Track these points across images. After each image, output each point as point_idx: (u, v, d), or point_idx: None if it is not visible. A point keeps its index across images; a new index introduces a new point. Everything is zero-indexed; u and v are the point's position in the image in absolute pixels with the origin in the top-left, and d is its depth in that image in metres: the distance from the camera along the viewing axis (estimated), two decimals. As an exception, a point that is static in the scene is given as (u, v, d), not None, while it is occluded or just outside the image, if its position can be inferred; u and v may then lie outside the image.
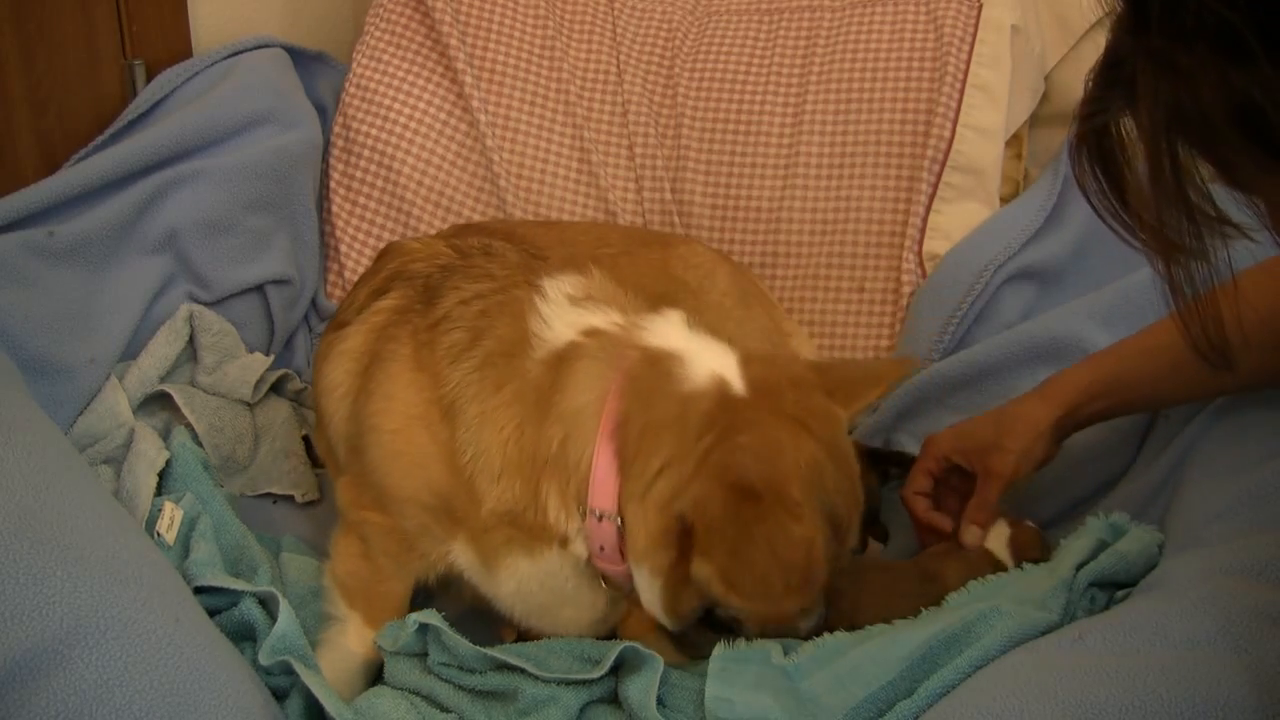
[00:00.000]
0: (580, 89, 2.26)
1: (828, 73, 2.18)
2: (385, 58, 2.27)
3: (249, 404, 1.90)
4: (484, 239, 1.61)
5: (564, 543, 1.32)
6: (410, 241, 1.63)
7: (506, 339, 1.35)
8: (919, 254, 2.06)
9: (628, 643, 1.36)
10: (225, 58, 2.13)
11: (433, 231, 2.10)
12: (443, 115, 2.23)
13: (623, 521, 1.27)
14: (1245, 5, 0.77)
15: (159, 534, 1.47)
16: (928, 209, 2.08)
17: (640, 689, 1.29)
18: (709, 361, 1.30)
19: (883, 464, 1.77)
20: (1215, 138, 0.83)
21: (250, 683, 1.24)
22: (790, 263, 2.12)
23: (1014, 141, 2.25)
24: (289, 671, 1.31)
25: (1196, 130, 0.84)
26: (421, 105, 2.23)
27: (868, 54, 2.17)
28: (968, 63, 2.13)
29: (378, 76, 2.25)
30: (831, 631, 1.34)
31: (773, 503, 1.21)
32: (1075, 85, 2.27)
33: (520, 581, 1.36)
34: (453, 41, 2.24)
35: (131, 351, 1.85)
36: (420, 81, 2.25)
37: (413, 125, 2.22)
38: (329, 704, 1.26)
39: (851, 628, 1.36)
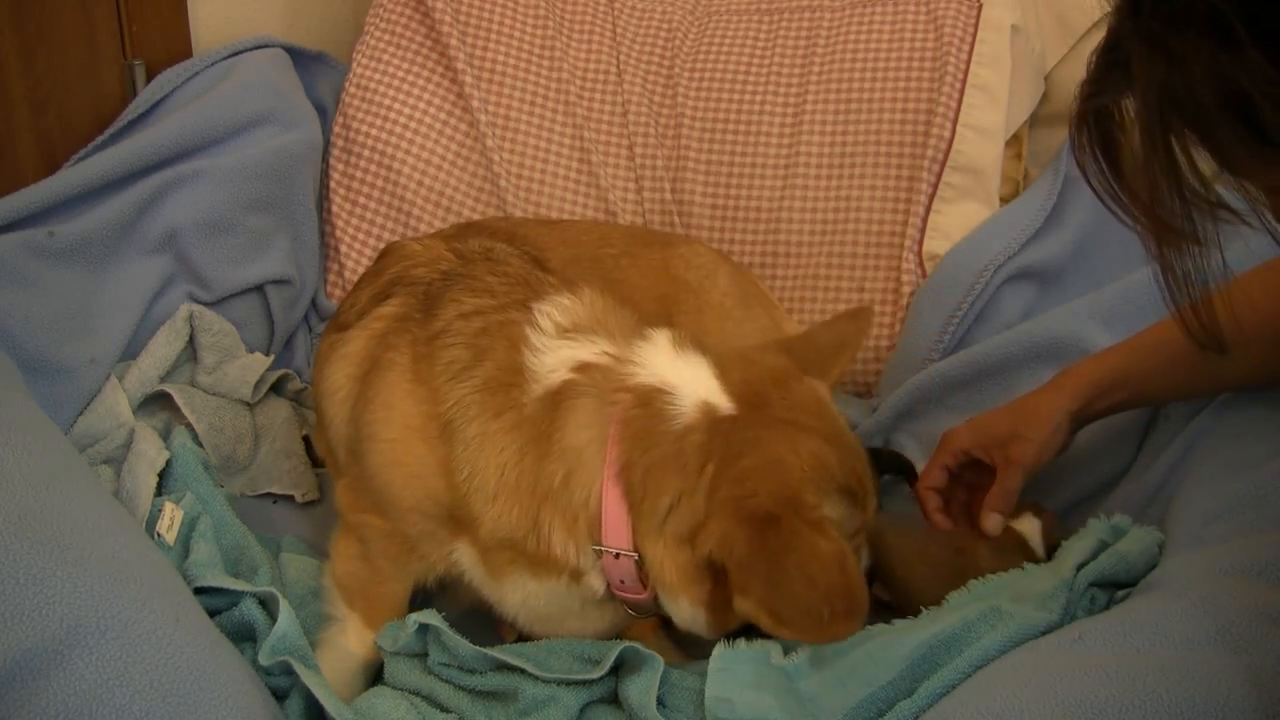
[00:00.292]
0: (580, 89, 2.26)
1: (828, 73, 2.18)
2: (385, 58, 2.27)
3: (249, 404, 1.90)
4: (486, 241, 1.61)
5: (576, 576, 1.33)
6: (412, 243, 1.63)
7: (504, 365, 1.34)
8: (919, 254, 2.06)
9: (628, 643, 1.36)
10: (225, 58, 2.13)
11: (433, 232, 2.10)
12: (443, 115, 2.23)
13: (641, 557, 1.28)
14: None
15: (159, 534, 1.47)
16: (928, 209, 2.08)
17: (640, 689, 1.29)
18: (695, 389, 1.30)
19: (879, 466, 1.77)
20: (1206, 122, 0.84)
21: (250, 683, 1.24)
22: (790, 263, 2.12)
23: (1014, 141, 2.25)
24: (289, 672, 1.31)
25: (1188, 114, 0.85)
26: (421, 105, 2.23)
27: (868, 54, 2.17)
28: (968, 63, 2.13)
29: (378, 77, 2.25)
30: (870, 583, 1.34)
31: (792, 521, 1.21)
32: (1075, 85, 2.28)
33: (526, 596, 1.37)
34: (453, 41, 2.24)
35: (131, 351, 1.85)
36: (420, 81, 2.25)
37: (413, 125, 2.22)
38: (329, 704, 1.26)
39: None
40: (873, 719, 1.24)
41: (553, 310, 1.38)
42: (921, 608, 1.48)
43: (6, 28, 1.86)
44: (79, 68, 2.00)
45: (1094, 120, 0.93)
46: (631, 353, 1.34)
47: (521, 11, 2.30)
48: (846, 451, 1.31)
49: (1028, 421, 1.50)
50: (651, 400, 1.29)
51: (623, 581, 1.31)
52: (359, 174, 2.23)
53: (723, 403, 1.29)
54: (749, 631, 1.54)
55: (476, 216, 2.18)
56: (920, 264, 2.06)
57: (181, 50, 2.17)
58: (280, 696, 1.32)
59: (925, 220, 2.07)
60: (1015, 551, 1.48)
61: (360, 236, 2.21)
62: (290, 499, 1.82)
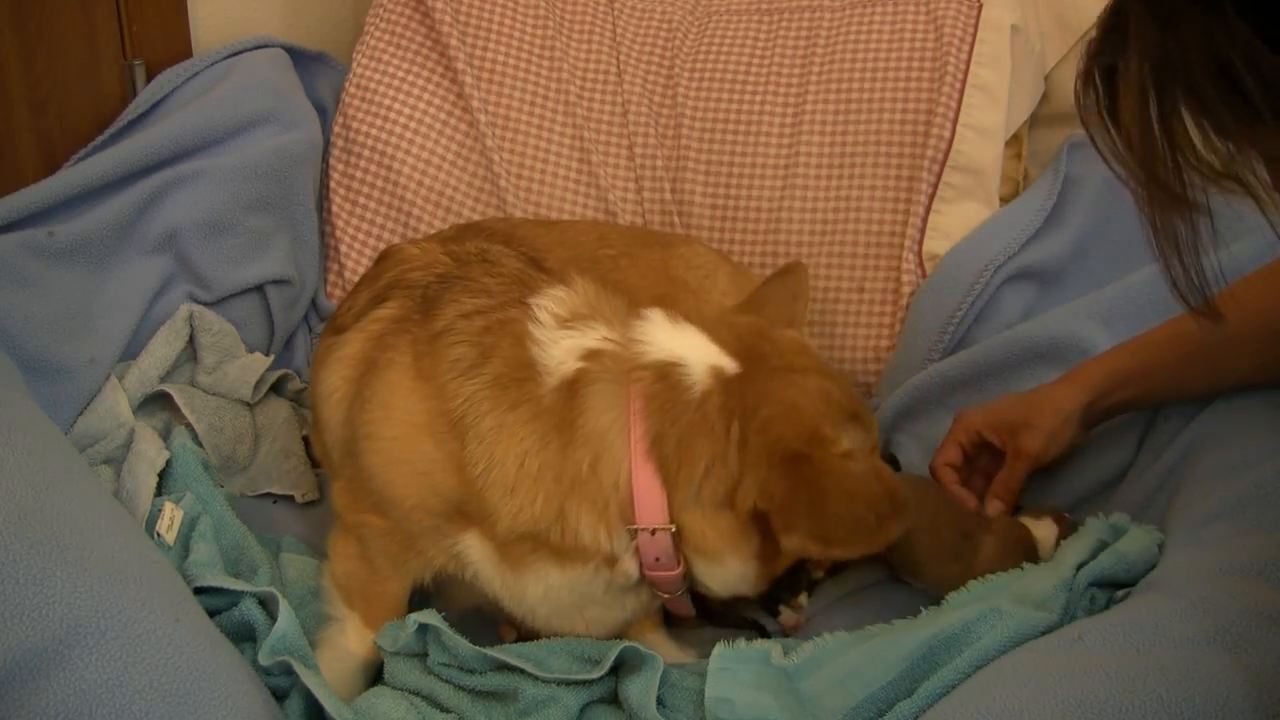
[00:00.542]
0: (580, 89, 2.26)
1: (828, 73, 2.18)
2: (385, 58, 2.27)
3: (249, 404, 1.90)
4: (482, 243, 1.62)
5: (610, 562, 1.33)
6: (409, 247, 1.64)
7: (513, 361, 1.36)
8: (919, 254, 2.06)
9: (628, 643, 1.36)
10: (225, 58, 2.13)
11: (432, 232, 2.10)
12: (443, 115, 2.23)
13: (678, 530, 1.30)
14: None
15: (159, 534, 1.47)
16: (927, 209, 2.08)
17: (640, 689, 1.30)
18: (702, 357, 1.35)
19: None
20: (1198, 88, 0.85)
21: (250, 683, 1.24)
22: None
23: (1014, 141, 2.25)
24: (289, 671, 1.31)
25: (1180, 79, 0.86)
26: (421, 105, 2.24)
27: (868, 54, 2.17)
28: (968, 63, 2.13)
29: (378, 77, 2.25)
30: None
31: (820, 454, 1.27)
32: (1076, 82, 2.28)
33: (549, 588, 1.37)
34: (453, 41, 2.24)
35: (131, 351, 1.85)
36: (420, 82, 2.25)
37: (413, 125, 2.22)
38: (328, 704, 1.26)
39: None
40: (873, 719, 1.24)
41: (549, 303, 1.40)
42: (913, 580, 1.50)
43: (6, 28, 1.86)
44: (79, 68, 2.00)
45: (1099, 78, 0.94)
46: (634, 333, 1.38)
47: (521, 11, 2.30)
48: (842, 382, 1.38)
49: (1039, 412, 1.53)
50: (668, 374, 1.33)
51: (658, 559, 1.32)
52: (359, 174, 2.23)
53: (727, 363, 1.34)
54: (749, 633, 1.55)
55: (476, 217, 2.18)
56: (920, 264, 2.06)
57: (181, 50, 2.17)
58: (280, 696, 1.32)
59: (925, 220, 2.07)
60: (1020, 552, 1.48)
61: (360, 237, 2.21)
62: (290, 499, 1.82)
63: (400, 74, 2.25)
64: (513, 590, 1.39)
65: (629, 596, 1.40)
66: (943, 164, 2.08)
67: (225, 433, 1.82)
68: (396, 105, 2.23)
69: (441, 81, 2.25)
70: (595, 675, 1.33)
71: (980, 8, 2.18)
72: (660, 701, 1.30)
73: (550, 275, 1.53)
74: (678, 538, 1.31)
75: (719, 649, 1.34)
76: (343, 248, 2.21)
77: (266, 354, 2.01)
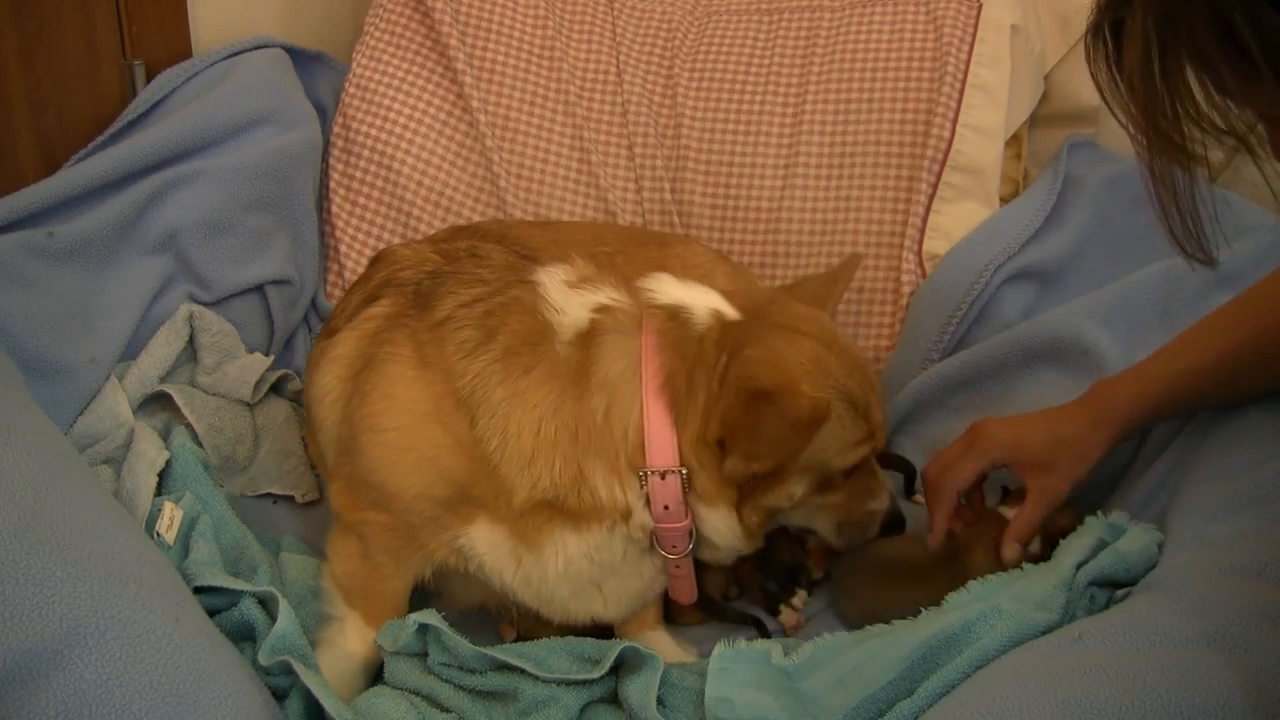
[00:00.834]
0: (580, 89, 2.26)
1: (827, 73, 2.18)
2: (385, 58, 2.27)
3: (249, 404, 1.90)
4: (472, 241, 1.63)
5: (626, 515, 1.35)
6: (400, 249, 1.65)
7: (523, 331, 1.39)
8: (919, 254, 2.06)
9: (628, 643, 1.36)
10: (225, 58, 2.13)
11: (432, 232, 2.10)
12: (442, 115, 2.23)
13: (688, 473, 1.33)
14: None
15: (159, 534, 1.47)
16: (927, 209, 2.08)
17: (640, 689, 1.30)
18: (706, 302, 1.41)
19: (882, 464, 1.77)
20: (1199, 43, 0.85)
21: (250, 683, 1.24)
22: (790, 262, 2.12)
23: (1014, 141, 2.25)
24: (289, 671, 1.31)
25: (1183, 35, 0.86)
26: (421, 105, 2.23)
27: (867, 54, 2.17)
28: (967, 62, 2.13)
29: (377, 77, 2.25)
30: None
31: (783, 397, 1.29)
32: (1075, 85, 2.28)
33: (569, 559, 1.37)
34: (452, 42, 2.24)
35: (131, 352, 1.84)
36: (420, 82, 2.25)
37: (412, 125, 2.22)
38: (328, 704, 1.26)
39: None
40: (873, 719, 1.24)
41: (556, 271, 1.45)
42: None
43: (6, 28, 1.86)
44: (79, 68, 2.00)
45: (1108, 31, 0.95)
46: (645, 285, 1.44)
47: (521, 11, 2.30)
48: (849, 361, 1.39)
49: (1068, 457, 1.49)
50: (677, 314, 1.39)
51: (667, 507, 1.34)
52: (359, 174, 2.23)
53: (729, 310, 1.41)
54: (749, 632, 1.55)
55: (476, 217, 2.18)
56: (920, 264, 2.06)
57: (181, 50, 2.17)
58: (280, 696, 1.32)
59: (925, 220, 2.07)
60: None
61: (360, 237, 2.21)
62: (290, 499, 1.82)
63: (400, 74, 2.25)
64: (530, 573, 1.39)
65: (645, 563, 1.41)
66: (943, 164, 2.08)
67: (225, 433, 1.82)
68: (396, 105, 2.23)
69: (441, 81, 2.25)
70: (595, 675, 1.33)
71: (980, 7, 2.18)
72: (660, 701, 1.30)
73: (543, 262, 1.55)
74: (687, 484, 1.33)
75: (719, 649, 1.34)
76: (342, 248, 2.21)
77: (266, 354, 2.01)
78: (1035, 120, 2.31)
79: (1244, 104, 0.88)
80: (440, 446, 1.37)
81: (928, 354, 1.95)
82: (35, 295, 1.69)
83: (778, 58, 2.23)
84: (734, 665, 1.32)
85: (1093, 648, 1.14)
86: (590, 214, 2.20)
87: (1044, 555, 1.46)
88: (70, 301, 1.75)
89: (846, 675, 1.28)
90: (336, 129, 2.25)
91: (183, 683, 1.12)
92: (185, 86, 2.07)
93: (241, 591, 1.39)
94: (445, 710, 1.34)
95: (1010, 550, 1.49)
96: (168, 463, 1.62)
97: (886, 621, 1.38)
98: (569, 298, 1.41)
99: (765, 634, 1.56)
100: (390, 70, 2.25)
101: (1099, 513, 1.43)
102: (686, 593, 1.45)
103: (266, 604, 1.39)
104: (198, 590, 1.38)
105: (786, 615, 1.59)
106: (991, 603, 1.29)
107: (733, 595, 1.65)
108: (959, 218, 2.08)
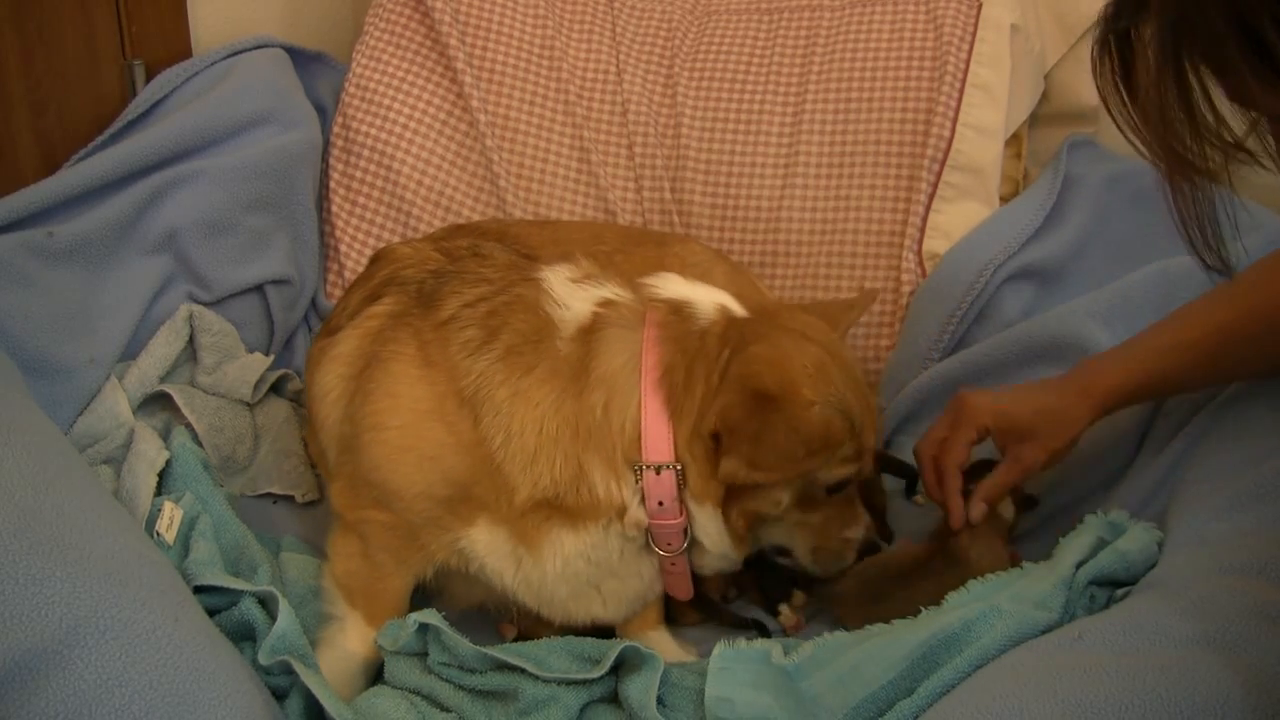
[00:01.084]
0: (580, 89, 2.26)
1: (827, 72, 2.18)
2: (385, 58, 2.27)
3: (249, 404, 1.90)
4: (473, 240, 1.63)
5: (621, 512, 1.35)
6: (400, 247, 1.65)
7: (526, 330, 1.39)
8: (919, 253, 2.06)
9: (628, 642, 1.36)
10: (225, 58, 2.13)
11: (432, 231, 2.10)
12: (442, 115, 2.23)
13: (683, 469, 1.33)
14: None
15: (159, 534, 1.47)
16: (927, 208, 2.08)
17: (640, 689, 1.30)
18: (712, 299, 1.41)
19: (881, 467, 1.77)
20: (1218, 48, 0.84)
21: (250, 683, 1.24)
22: (790, 262, 2.12)
23: (1014, 141, 2.25)
24: (289, 671, 1.31)
25: (1201, 39, 0.85)
26: (421, 105, 2.23)
27: (867, 54, 2.17)
28: (967, 62, 2.13)
29: (377, 77, 2.25)
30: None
31: (788, 400, 1.29)
32: (1075, 85, 2.28)
33: (566, 560, 1.37)
34: (452, 41, 2.24)
35: (131, 352, 1.84)
36: (420, 81, 2.25)
37: (412, 125, 2.22)
38: (328, 704, 1.26)
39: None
40: (873, 718, 1.24)
41: (560, 269, 1.45)
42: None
43: (6, 28, 1.86)
44: (79, 68, 2.00)
45: (1115, 45, 0.94)
46: (649, 281, 1.44)
47: (521, 11, 2.30)
48: (852, 377, 1.38)
49: (1051, 429, 1.51)
50: (680, 308, 1.39)
51: (661, 503, 1.33)
52: (359, 174, 2.23)
53: (736, 308, 1.40)
54: (749, 633, 1.55)
55: (476, 217, 2.18)
56: (920, 263, 2.06)
57: (181, 50, 2.17)
58: (280, 696, 1.32)
59: (925, 219, 2.07)
60: (996, 535, 1.52)
61: (360, 236, 2.21)
62: (290, 499, 1.82)
63: (400, 74, 2.25)
64: (529, 575, 1.39)
65: (643, 563, 1.41)
66: (942, 163, 2.08)
67: (225, 433, 1.82)
68: (396, 105, 2.23)
69: (441, 81, 2.25)
70: (595, 675, 1.33)
71: (980, 7, 2.18)
72: (660, 701, 1.30)
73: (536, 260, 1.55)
74: (681, 480, 1.33)
75: (719, 648, 1.34)
76: (342, 248, 2.21)
77: (266, 354, 2.01)
78: (1035, 119, 2.31)
79: (1260, 109, 0.88)
80: (442, 446, 1.37)
81: (928, 354, 1.95)
82: (35, 295, 1.69)
83: (778, 57, 2.23)
84: (734, 665, 1.31)
85: (1092, 647, 1.14)
86: (590, 214, 2.20)
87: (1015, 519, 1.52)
88: (70, 301, 1.75)
89: (846, 675, 1.27)
90: (336, 129, 2.25)
91: (182, 683, 1.12)
92: (185, 86, 2.07)
93: (241, 591, 1.39)
94: (445, 710, 1.34)
95: (976, 510, 1.52)
96: (168, 462, 1.62)
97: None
98: (573, 292, 1.41)
99: (766, 634, 1.56)
100: (390, 70, 2.26)
101: (1099, 512, 1.43)
102: (683, 589, 1.45)
103: (266, 604, 1.39)
104: (197, 590, 1.38)
105: (786, 615, 1.59)
106: (991, 602, 1.29)
107: (731, 596, 1.65)
108: (959, 217, 2.08)
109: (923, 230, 2.07)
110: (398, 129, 2.22)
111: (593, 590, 1.41)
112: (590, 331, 1.37)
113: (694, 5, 2.35)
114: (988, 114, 2.12)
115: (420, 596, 1.51)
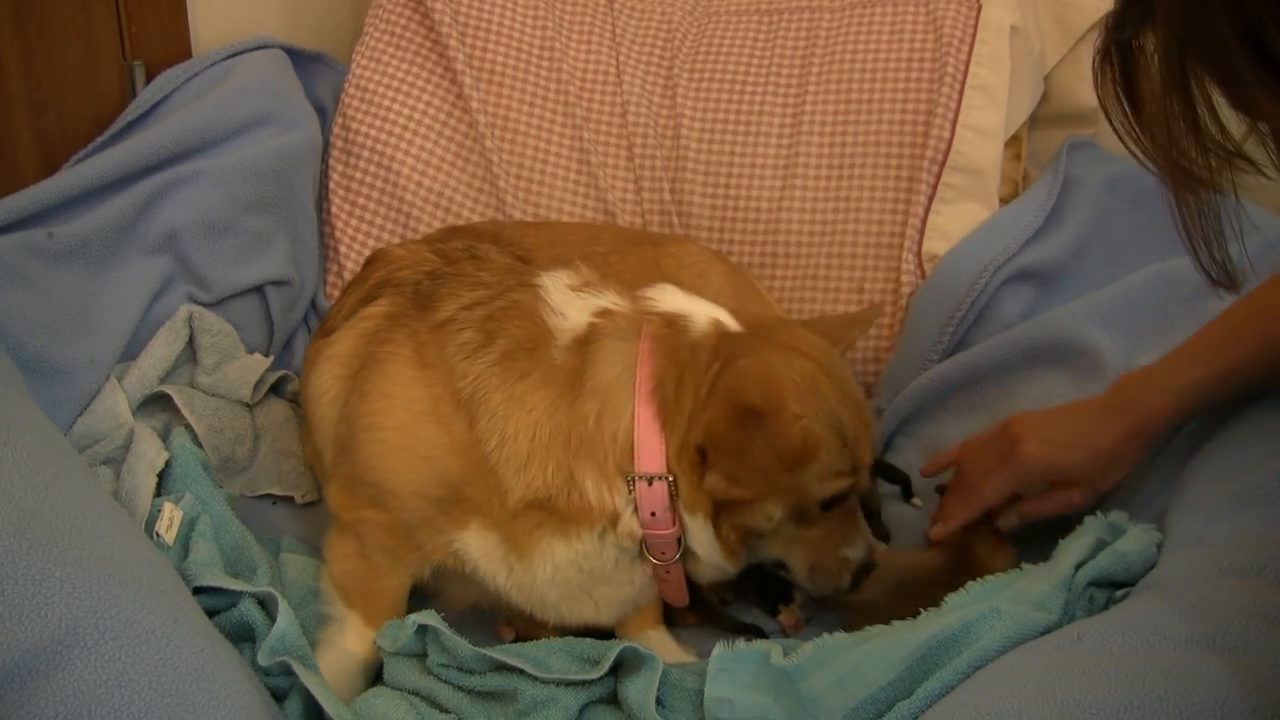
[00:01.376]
0: (579, 90, 2.26)
1: (827, 73, 2.18)
2: (385, 58, 2.27)
3: (248, 405, 1.90)
4: (468, 242, 1.63)
5: (614, 521, 1.35)
6: (396, 249, 1.65)
7: (522, 336, 1.39)
8: (918, 254, 2.06)
9: (627, 643, 1.36)
10: (225, 59, 2.13)
11: (431, 232, 2.10)
12: (442, 116, 2.23)
13: (675, 480, 1.33)
14: None
15: (158, 534, 1.47)
16: (927, 209, 2.08)
17: (640, 689, 1.30)
18: (707, 313, 1.41)
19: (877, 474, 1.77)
20: (1224, 57, 0.84)
21: (249, 683, 1.24)
22: (789, 263, 2.12)
23: (1013, 142, 2.25)
24: (288, 672, 1.31)
25: (1207, 50, 0.85)
26: (421, 106, 2.24)
27: (867, 55, 2.17)
28: (967, 63, 2.13)
29: (377, 77, 2.25)
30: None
31: (773, 415, 1.28)
32: (1075, 86, 2.28)
33: (556, 567, 1.38)
34: (452, 42, 2.24)
35: (131, 352, 1.84)
36: (419, 82, 2.25)
37: (412, 126, 2.22)
38: (328, 704, 1.26)
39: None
40: (872, 719, 1.24)
41: (559, 275, 1.45)
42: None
43: (6, 28, 1.86)
44: (79, 68, 2.00)
45: (1117, 56, 0.94)
46: (647, 293, 1.44)
47: (521, 12, 2.30)
48: (845, 392, 1.37)
49: (1106, 472, 1.48)
50: (675, 321, 1.39)
51: (654, 514, 1.33)
52: (358, 175, 2.23)
53: (730, 323, 1.41)
54: (748, 634, 1.55)
55: (476, 218, 2.18)
56: (920, 264, 2.06)
57: (181, 51, 2.17)
58: (279, 697, 1.32)
59: (925, 221, 2.07)
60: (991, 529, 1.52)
61: (360, 237, 2.21)
62: (290, 500, 1.82)
63: (400, 75, 2.25)
64: (520, 579, 1.39)
65: (636, 570, 1.41)
66: (942, 164, 2.08)
67: (225, 433, 1.82)
68: (396, 106, 2.23)
69: (441, 82, 2.25)
70: (595, 675, 1.33)
71: (980, 8, 2.18)
72: (660, 702, 1.30)
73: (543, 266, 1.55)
74: (674, 490, 1.33)
75: (718, 649, 1.34)
76: (342, 248, 2.21)
77: (266, 355, 2.01)
78: (1035, 121, 2.31)
79: (1266, 118, 0.87)
80: (437, 446, 1.37)
81: (927, 355, 1.95)
82: (35, 295, 1.69)
83: (777, 59, 2.23)
84: (733, 666, 1.31)
85: (1092, 648, 1.14)
86: (590, 215, 2.20)
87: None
88: (70, 302, 1.75)
89: (846, 676, 1.27)
90: (336, 129, 2.25)
91: (182, 683, 1.12)
92: (185, 87, 2.07)
93: (241, 592, 1.39)
94: (444, 711, 1.34)
95: (1008, 520, 1.53)
96: (167, 463, 1.62)
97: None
98: (570, 301, 1.41)
99: (764, 636, 1.56)
100: (390, 71, 2.26)
101: (1098, 513, 1.43)
102: (678, 597, 1.45)
103: (266, 604, 1.39)
104: (197, 591, 1.38)
105: (786, 616, 1.59)
106: (991, 603, 1.29)
107: (729, 600, 1.65)
108: (958, 218, 2.08)
109: (922, 231, 2.07)
110: (398, 130, 2.22)
111: (584, 595, 1.42)
112: (586, 342, 1.37)
113: (694, 6, 2.35)
114: (987, 115, 2.12)
115: (418, 597, 1.51)
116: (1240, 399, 1.45)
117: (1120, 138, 0.96)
